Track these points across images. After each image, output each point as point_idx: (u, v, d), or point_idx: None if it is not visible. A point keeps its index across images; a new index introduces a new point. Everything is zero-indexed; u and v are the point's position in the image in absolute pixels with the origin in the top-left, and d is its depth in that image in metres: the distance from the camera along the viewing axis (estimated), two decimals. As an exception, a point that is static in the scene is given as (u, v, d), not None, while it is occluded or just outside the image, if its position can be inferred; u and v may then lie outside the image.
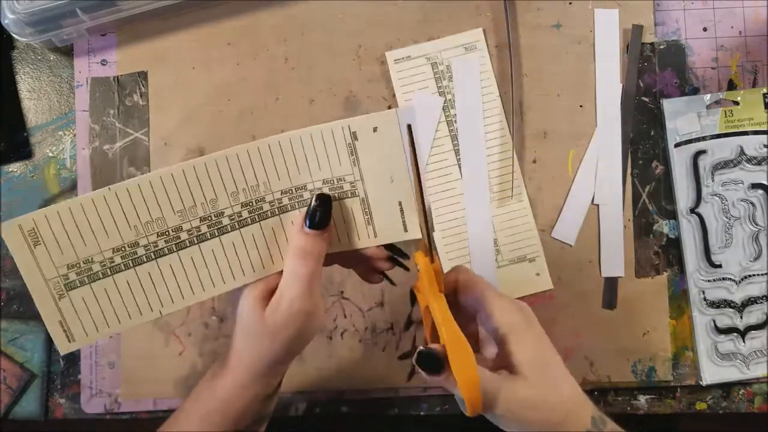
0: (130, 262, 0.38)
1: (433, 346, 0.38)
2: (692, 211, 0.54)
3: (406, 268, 0.45)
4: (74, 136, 0.56)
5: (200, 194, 0.38)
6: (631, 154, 0.55)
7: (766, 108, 0.54)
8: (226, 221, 0.39)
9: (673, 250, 0.55)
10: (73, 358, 0.56)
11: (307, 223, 0.40)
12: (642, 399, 0.55)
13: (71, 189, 0.56)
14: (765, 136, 0.54)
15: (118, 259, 0.38)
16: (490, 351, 0.42)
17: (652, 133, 0.55)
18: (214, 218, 0.39)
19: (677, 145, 0.54)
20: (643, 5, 0.56)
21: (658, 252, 0.55)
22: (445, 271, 0.41)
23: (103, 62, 0.56)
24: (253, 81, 0.56)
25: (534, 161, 0.55)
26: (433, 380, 0.38)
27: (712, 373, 0.54)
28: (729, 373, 0.54)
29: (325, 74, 0.56)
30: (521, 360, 0.39)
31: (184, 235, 0.39)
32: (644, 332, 0.54)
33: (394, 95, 0.55)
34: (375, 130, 0.39)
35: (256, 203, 0.39)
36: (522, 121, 0.55)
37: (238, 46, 0.56)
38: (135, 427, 0.56)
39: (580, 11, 0.56)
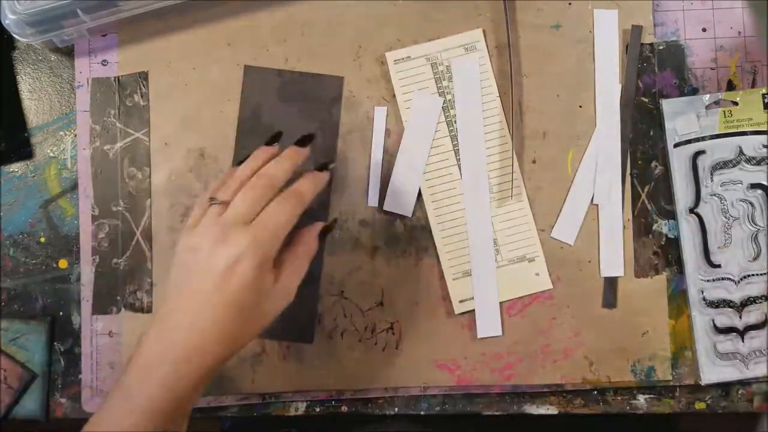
0: None
1: None
2: (691, 211, 0.54)
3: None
4: (75, 136, 0.57)
5: None
6: (630, 154, 0.55)
7: (765, 108, 0.54)
8: None
9: (672, 250, 0.55)
10: (74, 358, 0.56)
11: (324, 235, 0.48)
12: (641, 399, 0.55)
13: (72, 189, 0.56)
14: (764, 136, 0.54)
15: None
16: None
17: (652, 134, 0.55)
18: None
19: (676, 145, 0.55)
20: (643, 6, 0.56)
21: (658, 252, 0.55)
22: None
23: (104, 62, 0.56)
24: (253, 81, 0.56)
25: (534, 161, 0.55)
26: None
27: (711, 372, 0.54)
28: (728, 372, 0.54)
29: (325, 74, 0.56)
30: None
31: None
32: (644, 332, 0.55)
33: (394, 96, 0.56)
34: None
35: None
36: (522, 121, 0.55)
37: (238, 46, 0.56)
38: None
39: (580, 11, 0.56)
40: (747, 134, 0.54)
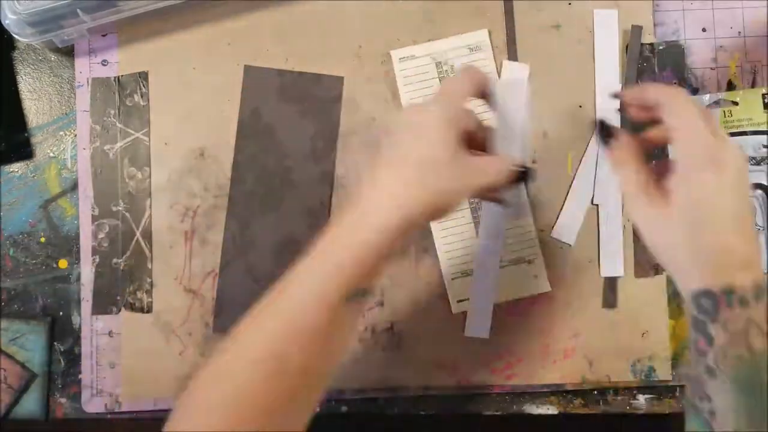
0: None
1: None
2: None
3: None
4: (75, 136, 0.57)
5: None
6: (630, 154, 0.55)
7: (765, 108, 0.54)
8: None
9: (672, 250, 0.55)
10: (74, 358, 0.56)
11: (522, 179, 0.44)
12: (641, 398, 0.55)
13: (72, 189, 0.56)
14: (764, 136, 0.54)
15: None
16: None
17: (652, 134, 0.55)
18: None
19: None
20: (643, 5, 0.56)
21: (658, 252, 0.55)
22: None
23: (104, 62, 0.56)
24: (253, 81, 0.56)
25: (534, 161, 0.55)
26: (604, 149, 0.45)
27: None
28: None
29: (325, 74, 0.56)
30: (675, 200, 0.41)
31: None
32: (644, 332, 0.55)
33: (393, 95, 0.56)
34: None
35: None
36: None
37: (238, 46, 0.56)
38: (135, 427, 0.57)
39: (580, 11, 0.56)
40: (747, 134, 0.54)
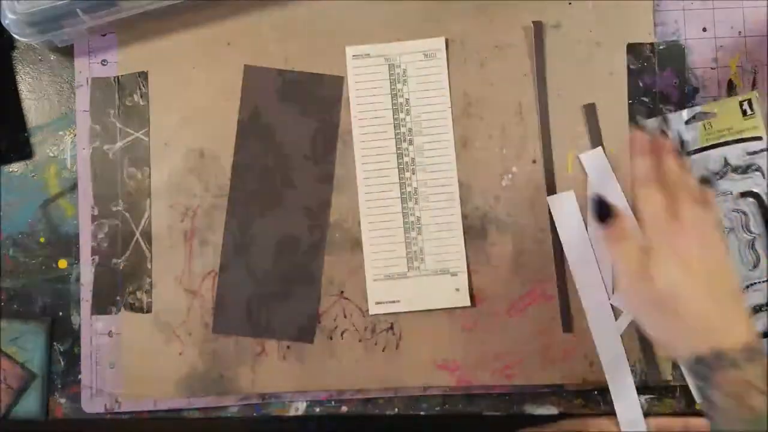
0: None
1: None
2: None
3: None
4: (75, 136, 0.56)
5: None
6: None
7: (743, 115, 0.54)
8: None
9: (672, 250, 0.55)
10: (74, 358, 0.56)
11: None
12: (642, 399, 0.55)
13: (72, 189, 0.56)
14: (746, 143, 0.54)
15: None
16: None
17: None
18: None
19: None
20: (643, 5, 0.56)
21: (658, 252, 0.55)
22: None
23: (104, 62, 0.56)
24: (253, 81, 0.56)
25: (534, 161, 0.55)
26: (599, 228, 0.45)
27: None
28: None
29: (325, 74, 0.56)
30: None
31: None
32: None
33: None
34: None
35: None
36: (522, 121, 0.55)
37: (238, 46, 0.56)
38: (135, 427, 0.57)
39: (580, 11, 0.56)
40: (730, 143, 0.54)
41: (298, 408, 0.55)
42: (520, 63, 0.56)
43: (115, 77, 0.56)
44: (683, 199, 0.44)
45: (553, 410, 0.55)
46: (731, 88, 0.56)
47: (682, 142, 0.54)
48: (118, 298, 0.55)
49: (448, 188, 0.55)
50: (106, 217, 0.56)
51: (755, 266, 0.54)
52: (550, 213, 0.55)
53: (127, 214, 0.56)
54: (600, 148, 0.54)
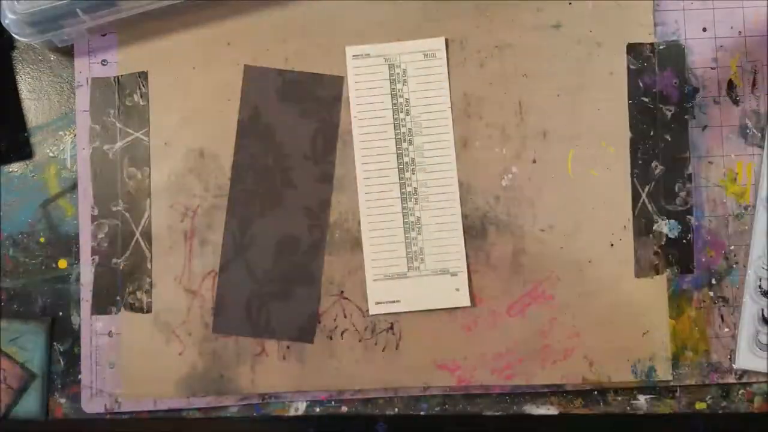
0: None
1: None
2: None
3: None
4: (74, 136, 0.57)
5: None
6: (630, 154, 0.55)
7: None
8: None
9: (672, 250, 0.55)
10: (74, 358, 0.56)
11: None
12: (642, 399, 0.55)
13: (72, 189, 0.56)
14: None
15: None
16: None
17: (652, 134, 0.55)
18: None
19: None
20: (643, 5, 0.56)
21: (658, 252, 0.55)
22: None
23: (104, 62, 0.56)
24: (253, 81, 0.56)
25: (534, 161, 0.55)
26: None
27: (746, 359, 0.54)
28: (762, 364, 0.54)
29: (325, 74, 0.56)
30: None
31: None
32: (644, 332, 0.55)
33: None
34: None
35: None
36: (522, 121, 0.55)
37: (238, 46, 0.56)
38: (135, 427, 0.57)
39: (580, 11, 0.56)
40: None
41: (298, 408, 0.55)
42: (520, 63, 0.56)
43: (115, 77, 0.56)
44: None
45: (553, 410, 0.55)
46: (731, 89, 0.56)
47: None
48: (118, 298, 0.55)
49: (448, 188, 0.55)
50: (106, 217, 0.56)
51: None
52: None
53: (127, 214, 0.56)
54: None
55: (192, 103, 0.56)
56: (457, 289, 0.55)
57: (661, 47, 0.56)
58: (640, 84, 0.56)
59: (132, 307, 0.55)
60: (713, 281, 0.55)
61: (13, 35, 0.52)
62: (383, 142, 0.55)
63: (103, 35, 0.56)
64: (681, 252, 0.55)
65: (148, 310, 0.55)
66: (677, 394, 0.55)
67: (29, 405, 0.55)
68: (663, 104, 0.56)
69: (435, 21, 0.56)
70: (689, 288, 0.55)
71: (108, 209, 0.56)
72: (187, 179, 0.56)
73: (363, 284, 0.55)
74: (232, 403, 0.55)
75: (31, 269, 0.56)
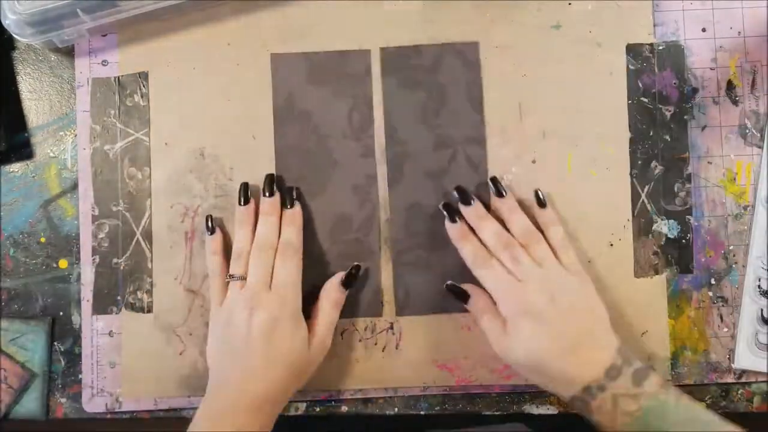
0: None
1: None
2: None
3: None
4: (75, 136, 0.57)
5: None
6: (630, 154, 0.55)
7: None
8: None
9: (672, 250, 0.55)
10: (74, 358, 0.56)
11: (344, 282, 0.53)
12: (641, 398, 0.55)
13: (72, 189, 0.56)
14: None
15: None
16: None
17: (651, 134, 0.55)
18: None
19: None
20: (643, 5, 0.56)
21: (658, 252, 0.55)
22: None
23: (104, 63, 0.56)
24: (253, 81, 0.56)
25: (534, 161, 0.55)
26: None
27: (745, 359, 0.54)
28: (761, 363, 0.54)
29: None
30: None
31: None
32: (643, 332, 0.55)
33: (394, 95, 0.56)
34: None
35: None
36: (521, 121, 0.55)
37: (238, 46, 0.56)
38: (136, 427, 0.57)
39: (580, 11, 0.56)
40: None
41: (298, 408, 0.55)
42: (520, 63, 0.56)
43: (115, 77, 0.56)
44: (520, 258, 0.49)
45: (552, 410, 0.55)
46: (730, 89, 0.56)
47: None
48: (118, 297, 0.55)
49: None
50: (107, 217, 0.56)
51: None
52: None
53: (127, 214, 0.56)
54: None
55: (192, 103, 0.56)
56: None
57: (660, 47, 0.56)
58: (640, 84, 0.56)
59: (133, 307, 0.55)
60: (712, 281, 0.55)
61: (14, 35, 0.52)
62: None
63: (104, 35, 0.56)
64: (680, 252, 0.55)
65: (149, 310, 0.55)
66: (677, 393, 0.55)
67: (30, 404, 0.55)
68: (662, 104, 0.56)
69: (436, 21, 0.56)
70: (688, 288, 0.55)
71: (108, 209, 0.56)
72: (188, 179, 0.56)
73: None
74: (233, 402, 0.55)
75: (31, 269, 0.56)
